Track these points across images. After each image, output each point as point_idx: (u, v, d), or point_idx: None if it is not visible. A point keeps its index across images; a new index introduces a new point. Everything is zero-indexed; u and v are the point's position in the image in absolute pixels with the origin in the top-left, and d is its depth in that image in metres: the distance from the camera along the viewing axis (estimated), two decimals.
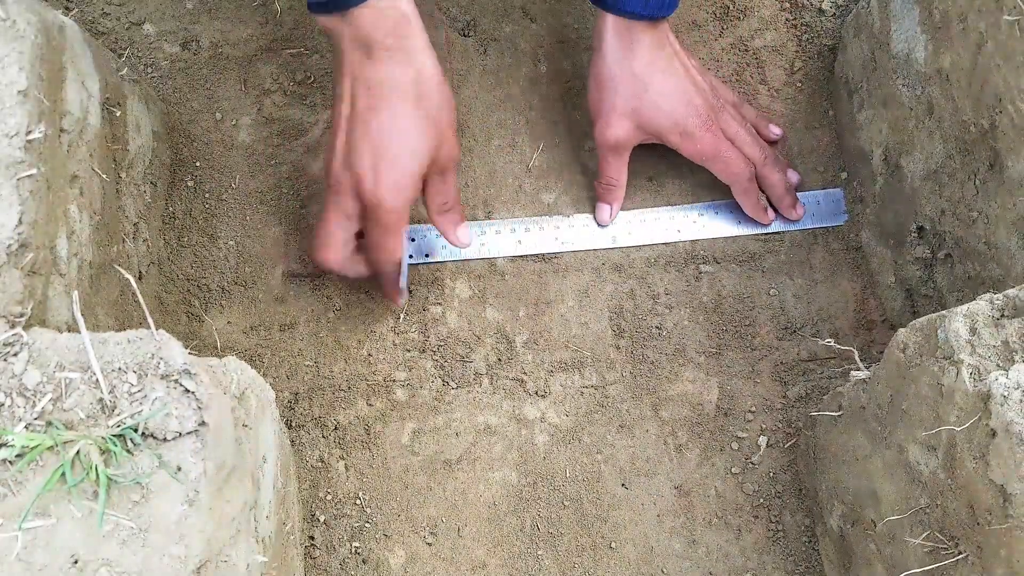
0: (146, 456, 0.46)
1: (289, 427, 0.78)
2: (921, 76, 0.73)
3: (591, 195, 0.85)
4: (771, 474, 0.78)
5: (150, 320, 0.50)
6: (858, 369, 0.65)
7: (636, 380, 0.80)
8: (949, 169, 0.71)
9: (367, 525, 0.76)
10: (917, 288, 0.77)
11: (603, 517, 0.77)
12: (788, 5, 0.90)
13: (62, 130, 0.60)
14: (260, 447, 0.58)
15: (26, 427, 0.46)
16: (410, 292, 0.81)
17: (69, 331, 0.51)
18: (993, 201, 0.66)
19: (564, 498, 0.77)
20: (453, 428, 0.79)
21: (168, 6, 0.87)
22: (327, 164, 0.71)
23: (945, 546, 0.55)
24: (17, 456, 0.46)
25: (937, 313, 0.55)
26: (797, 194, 0.85)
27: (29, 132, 0.53)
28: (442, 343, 0.81)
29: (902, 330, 0.58)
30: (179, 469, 0.46)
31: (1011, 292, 0.52)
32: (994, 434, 0.48)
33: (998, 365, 0.50)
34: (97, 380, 0.48)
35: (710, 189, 0.85)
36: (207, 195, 0.84)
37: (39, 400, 0.47)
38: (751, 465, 0.78)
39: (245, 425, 0.54)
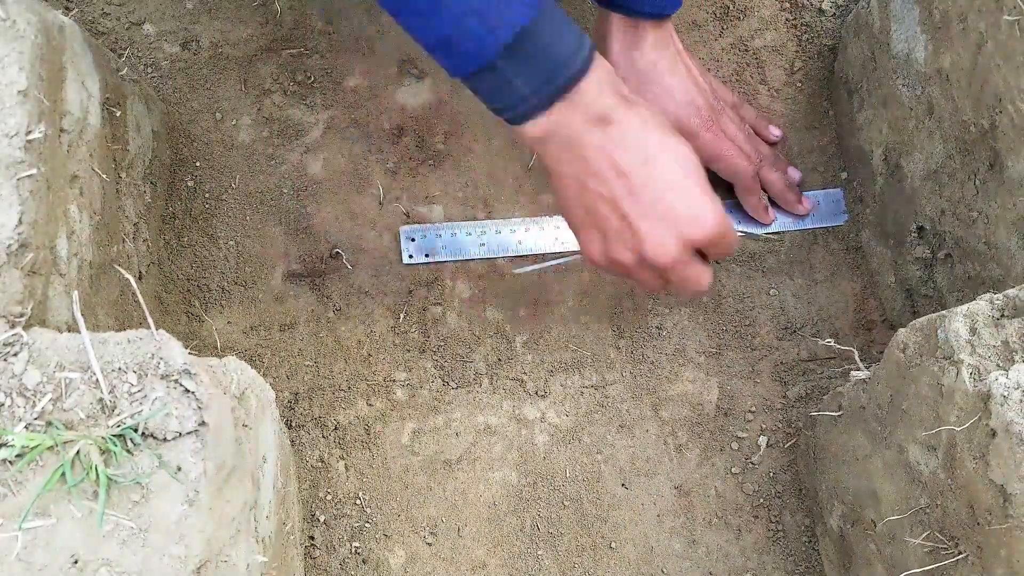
0: (146, 456, 0.46)
1: (289, 427, 0.78)
2: (921, 76, 0.73)
3: None
4: (771, 474, 0.78)
5: (150, 320, 0.50)
6: (858, 369, 0.65)
7: (636, 380, 0.80)
8: (949, 169, 0.71)
9: (367, 525, 0.76)
10: (917, 288, 0.77)
11: (603, 517, 0.77)
12: (788, 5, 0.90)
13: (62, 130, 0.60)
14: (260, 447, 0.58)
15: (26, 427, 0.46)
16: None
17: (69, 331, 0.51)
18: (993, 201, 0.66)
19: (564, 498, 0.77)
20: (453, 428, 0.79)
21: (168, 6, 0.87)
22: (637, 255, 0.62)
23: (945, 546, 0.55)
24: (17, 456, 0.46)
25: (937, 313, 0.55)
26: None
27: (29, 132, 0.53)
28: (442, 343, 0.81)
29: (902, 330, 0.58)
30: (179, 469, 0.46)
31: (1011, 292, 0.52)
32: (994, 434, 0.48)
33: (998, 365, 0.50)
34: (97, 380, 0.48)
35: None
36: (207, 195, 0.83)
37: (39, 400, 0.47)
38: (751, 465, 0.78)
39: (245, 425, 0.54)
